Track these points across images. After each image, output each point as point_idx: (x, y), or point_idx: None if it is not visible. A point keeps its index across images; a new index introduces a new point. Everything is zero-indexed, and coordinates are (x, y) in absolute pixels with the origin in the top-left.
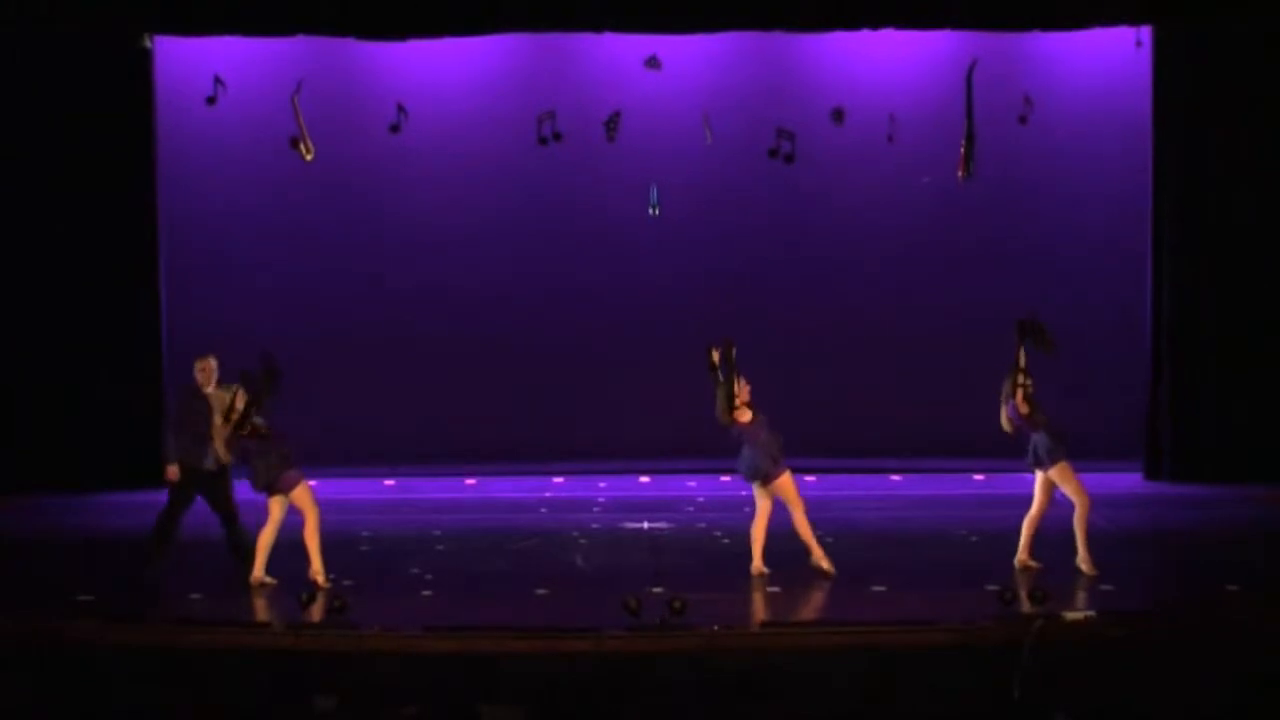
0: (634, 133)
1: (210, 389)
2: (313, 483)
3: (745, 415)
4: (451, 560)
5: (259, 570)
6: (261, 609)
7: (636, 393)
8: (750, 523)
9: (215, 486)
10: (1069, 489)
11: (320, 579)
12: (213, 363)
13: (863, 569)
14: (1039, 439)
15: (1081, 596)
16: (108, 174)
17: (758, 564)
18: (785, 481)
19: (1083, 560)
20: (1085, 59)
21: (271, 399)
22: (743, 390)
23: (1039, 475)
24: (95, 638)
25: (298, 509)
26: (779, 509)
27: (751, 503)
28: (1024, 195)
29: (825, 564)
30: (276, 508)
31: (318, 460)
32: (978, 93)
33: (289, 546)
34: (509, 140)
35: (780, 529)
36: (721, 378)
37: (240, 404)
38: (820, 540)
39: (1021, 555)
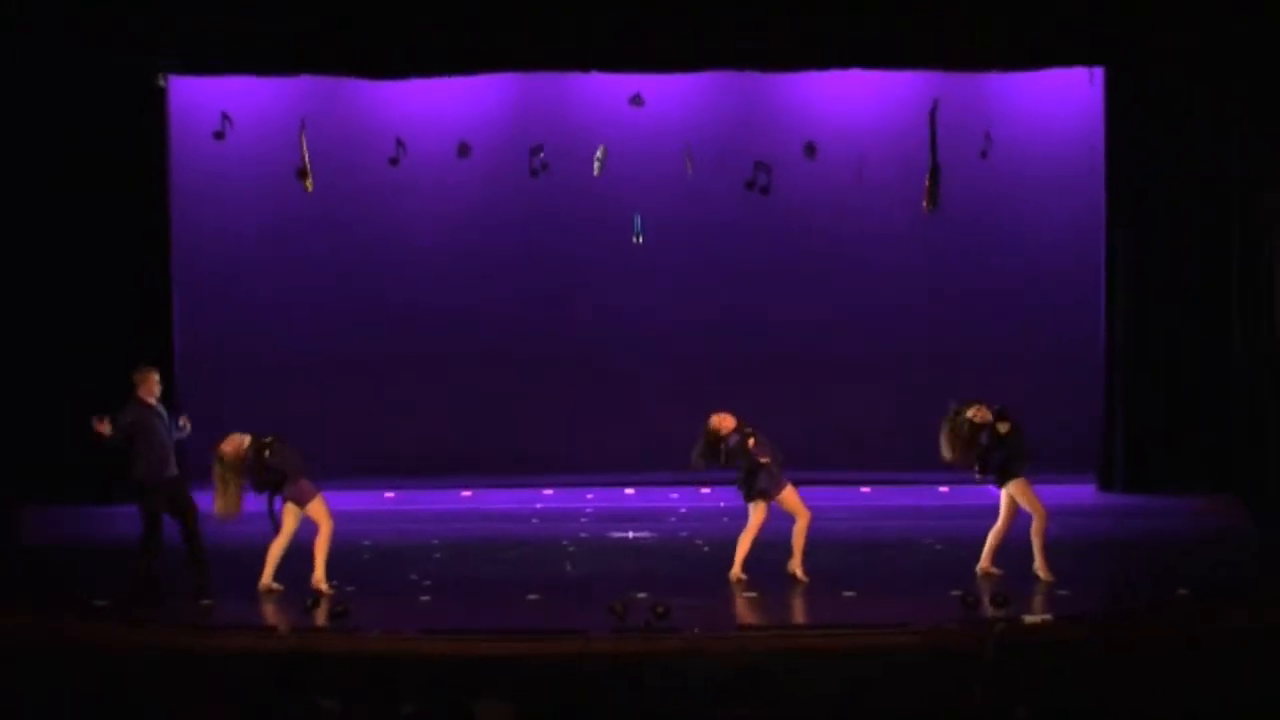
0: (619, 165)
1: (154, 401)
2: None
3: (751, 443)
4: (448, 567)
5: (268, 577)
6: (269, 613)
7: (622, 410)
8: (737, 532)
9: (177, 494)
10: (1025, 503)
11: (323, 587)
12: (156, 375)
13: (835, 575)
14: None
15: (1040, 601)
16: (126, 202)
17: (737, 571)
18: (789, 495)
19: (1040, 568)
20: (1041, 97)
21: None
22: (726, 420)
23: (1003, 491)
24: (111, 641)
25: (312, 520)
26: (777, 518)
27: (730, 513)
28: (986, 225)
29: (800, 571)
30: (290, 519)
31: (321, 473)
32: (941, 130)
33: (291, 555)
34: (502, 172)
35: (761, 538)
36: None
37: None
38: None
39: (984, 563)
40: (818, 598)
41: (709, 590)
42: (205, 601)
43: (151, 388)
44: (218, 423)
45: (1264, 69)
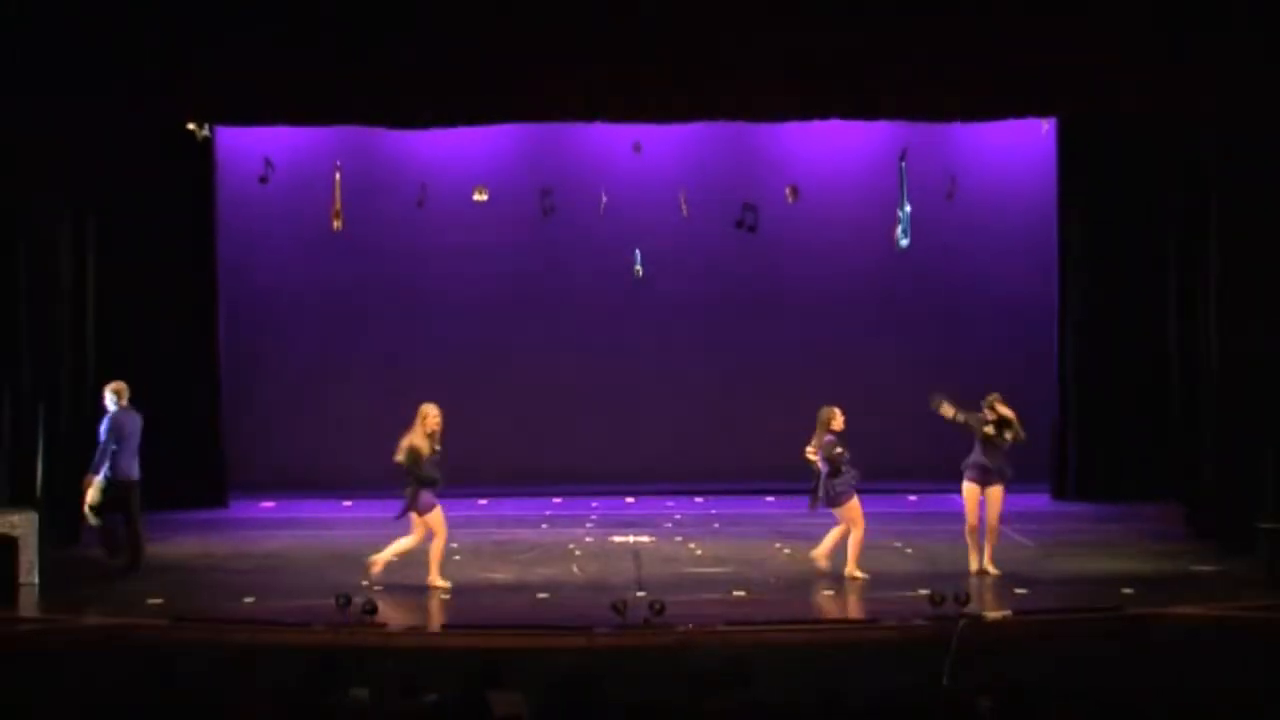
0: (621, 205)
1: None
2: (348, 503)
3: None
4: (466, 568)
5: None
6: (305, 611)
7: (624, 427)
8: (727, 537)
9: (133, 496)
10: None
11: (439, 583)
12: (124, 386)
13: (815, 576)
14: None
15: (1000, 599)
16: (179, 239)
17: (852, 568)
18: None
19: (980, 566)
20: (1001, 144)
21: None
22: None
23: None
24: (164, 635)
25: (430, 529)
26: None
27: (720, 520)
28: (951, 258)
29: (825, 563)
30: (422, 526)
31: (353, 483)
32: (911, 173)
33: (328, 558)
34: (515, 211)
35: (745, 548)
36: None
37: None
38: (778, 552)
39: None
40: (799, 596)
41: (701, 589)
42: (247, 599)
43: (123, 396)
44: (258, 437)
45: (1199, 116)
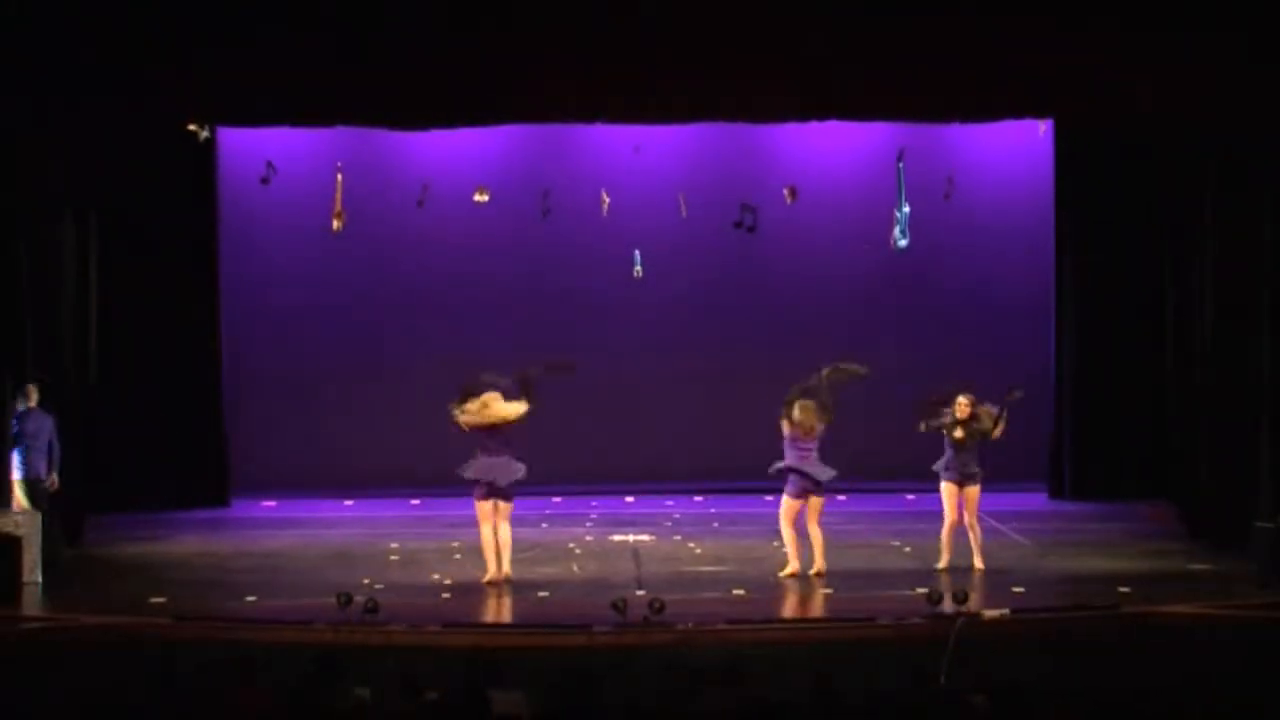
0: (620, 206)
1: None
2: (349, 502)
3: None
4: (467, 567)
5: (507, 567)
6: (306, 610)
7: (623, 426)
8: (726, 536)
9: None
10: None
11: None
12: (34, 387)
13: (812, 575)
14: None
15: (997, 597)
16: (181, 239)
17: (819, 563)
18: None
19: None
20: (998, 145)
21: None
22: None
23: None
24: (166, 634)
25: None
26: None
27: (719, 519)
28: (948, 260)
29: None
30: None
31: (354, 482)
32: (908, 175)
33: (330, 557)
34: (515, 212)
35: (745, 547)
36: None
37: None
38: (778, 550)
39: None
40: (797, 593)
41: (700, 588)
42: (249, 598)
43: (31, 397)
44: (259, 437)
45: (1199, 116)
